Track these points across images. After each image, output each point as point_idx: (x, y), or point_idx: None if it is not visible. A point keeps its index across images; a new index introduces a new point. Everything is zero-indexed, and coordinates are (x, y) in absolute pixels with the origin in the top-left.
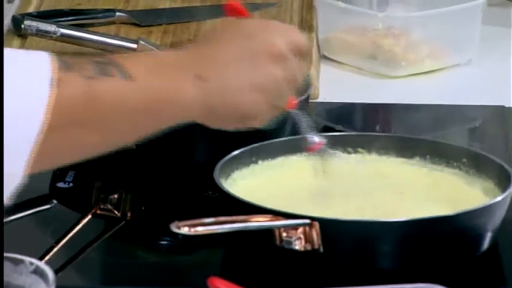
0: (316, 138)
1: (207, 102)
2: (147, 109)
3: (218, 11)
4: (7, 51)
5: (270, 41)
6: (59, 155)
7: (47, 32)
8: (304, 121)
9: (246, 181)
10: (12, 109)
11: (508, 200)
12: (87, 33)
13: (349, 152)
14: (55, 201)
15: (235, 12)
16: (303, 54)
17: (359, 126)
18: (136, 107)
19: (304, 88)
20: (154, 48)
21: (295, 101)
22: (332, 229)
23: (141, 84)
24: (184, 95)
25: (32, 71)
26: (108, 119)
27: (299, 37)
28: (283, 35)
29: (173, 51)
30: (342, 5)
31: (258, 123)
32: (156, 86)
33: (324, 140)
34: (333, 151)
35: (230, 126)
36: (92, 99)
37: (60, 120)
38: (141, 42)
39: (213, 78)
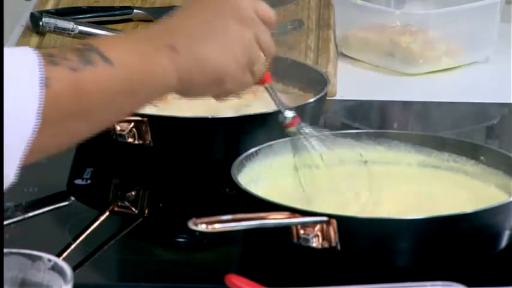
0: (291, 113)
1: (181, 71)
2: (128, 90)
3: None
4: None
5: (237, 4)
6: (49, 147)
7: (64, 29)
8: (278, 97)
9: (263, 178)
10: (4, 112)
11: None
12: (105, 30)
13: (366, 149)
14: (73, 198)
15: None
16: (269, 25)
17: (376, 124)
18: (119, 90)
19: (322, 85)
20: None
21: (270, 76)
22: (349, 226)
23: (121, 67)
24: (160, 70)
25: (21, 71)
26: (94, 107)
27: (265, 6)
28: (250, 2)
29: (146, 27)
30: (359, 2)
31: (233, 88)
32: (134, 66)
33: (298, 116)
34: (309, 129)
35: (207, 93)
36: (79, 91)
37: (51, 116)
38: None
39: (184, 46)
